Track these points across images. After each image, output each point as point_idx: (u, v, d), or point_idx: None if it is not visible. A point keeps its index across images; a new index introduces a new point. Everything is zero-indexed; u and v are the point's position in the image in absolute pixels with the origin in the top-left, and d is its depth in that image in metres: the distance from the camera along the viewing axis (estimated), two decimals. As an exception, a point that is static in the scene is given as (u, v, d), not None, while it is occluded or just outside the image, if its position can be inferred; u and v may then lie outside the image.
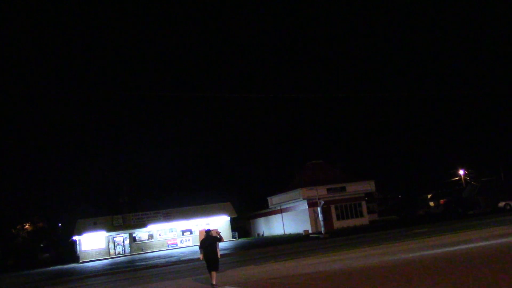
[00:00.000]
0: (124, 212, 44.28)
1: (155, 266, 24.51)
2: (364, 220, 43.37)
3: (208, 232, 13.33)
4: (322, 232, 35.16)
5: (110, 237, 41.28)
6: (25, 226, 57.15)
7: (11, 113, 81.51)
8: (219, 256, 13.10)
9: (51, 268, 35.64)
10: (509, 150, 59.52)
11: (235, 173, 77.19)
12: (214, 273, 12.75)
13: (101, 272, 24.96)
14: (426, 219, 41.77)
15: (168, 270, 21.20)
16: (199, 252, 13.93)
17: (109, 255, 40.55)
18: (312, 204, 40.78)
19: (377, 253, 16.87)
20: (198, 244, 13.52)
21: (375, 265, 13.43)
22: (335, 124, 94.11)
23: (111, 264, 30.68)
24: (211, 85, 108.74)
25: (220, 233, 13.87)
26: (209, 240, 13.03)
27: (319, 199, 36.63)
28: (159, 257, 31.60)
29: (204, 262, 13.29)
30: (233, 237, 46.60)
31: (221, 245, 14.38)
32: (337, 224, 41.81)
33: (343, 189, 43.03)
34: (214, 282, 12.63)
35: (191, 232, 44.04)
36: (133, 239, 42.09)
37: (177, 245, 42.85)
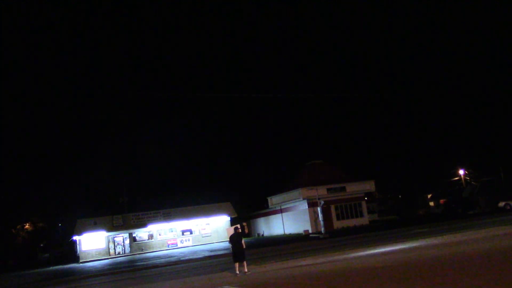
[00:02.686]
0: (124, 212, 44.25)
1: (155, 266, 24.50)
2: (364, 220, 43.33)
3: (236, 229, 15.64)
4: (322, 232, 35.15)
5: (110, 237, 41.27)
6: (25, 226, 57.20)
7: (11, 113, 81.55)
8: (244, 247, 15.15)
9: (51, 268, 35.64)
10: (509, 150, 59.54)
11: (235, 173, 77.19)
12: (244, 263, 14.90)
13: (101, 272, 24.97)
14: (426, 219, 41.77)
15: (168, 270, 21.20)
16: (229, 245, 16.18)
17: (109, 255, 40.54)
18: (312, 204, 40.75)
19: (377, 253, 16.87)
20: (228, 239, 15.98)
21: (375, 265, 13.42)
22: (335, 124, 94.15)
23: (111, 264, 30.68)
24: (211, 85, 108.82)
25: (245, 227, 16.05)
26: (237, 235, 15.31)
27: (319, 199, 36.60)
28: (159, 257, 31.59)
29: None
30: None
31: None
32: (337, 224, 41.77)
33: (343, 189, 43.01)
34: (246, 270, 14.83)
35: (191, 232, 44.01)
36: (133, 239, 42.08)
37: (177, 245, 42.83)
